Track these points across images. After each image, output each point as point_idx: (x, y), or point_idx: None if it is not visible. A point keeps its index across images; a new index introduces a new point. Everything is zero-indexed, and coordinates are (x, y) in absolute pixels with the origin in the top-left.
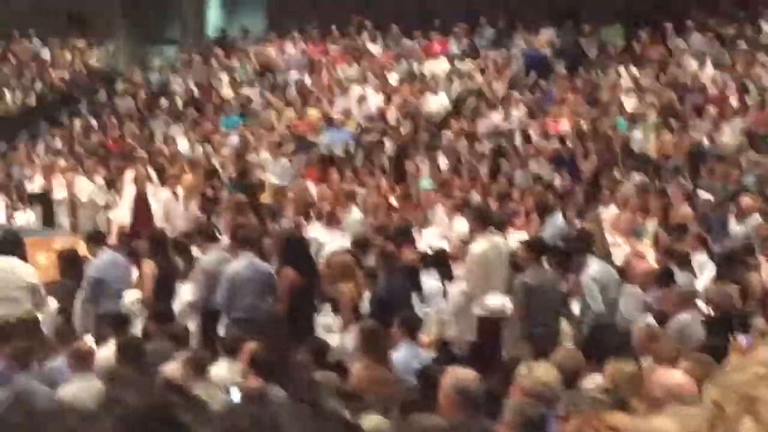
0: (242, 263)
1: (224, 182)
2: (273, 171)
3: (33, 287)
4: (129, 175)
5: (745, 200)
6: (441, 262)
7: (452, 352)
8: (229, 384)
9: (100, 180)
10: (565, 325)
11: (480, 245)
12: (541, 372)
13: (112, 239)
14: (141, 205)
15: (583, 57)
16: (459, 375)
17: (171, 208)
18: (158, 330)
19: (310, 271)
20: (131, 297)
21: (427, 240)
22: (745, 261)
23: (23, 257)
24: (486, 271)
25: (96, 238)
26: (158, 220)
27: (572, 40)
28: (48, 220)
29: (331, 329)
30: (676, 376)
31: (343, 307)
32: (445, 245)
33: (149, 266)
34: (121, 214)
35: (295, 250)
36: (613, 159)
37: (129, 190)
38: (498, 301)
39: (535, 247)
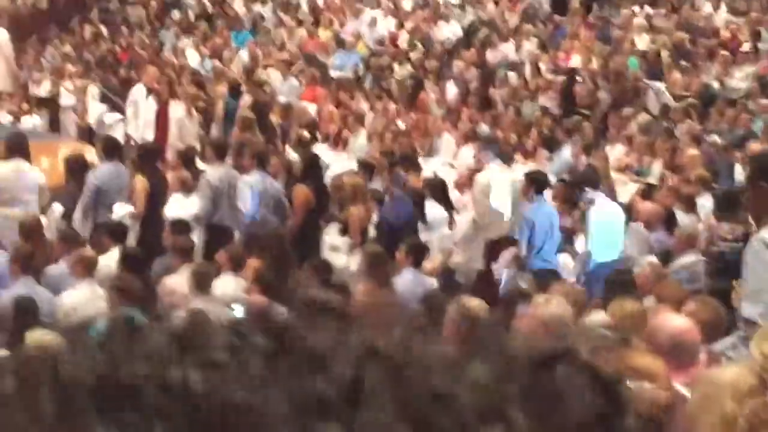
0: (257, 178)
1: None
2: (281, 90)
3: (41, 190)
4: (141, 88)
5: (753, 146)
6: (441, 192)
7: (456, 279)
8: (233, 300)
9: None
10: (566, 259)
11: (487, 175)
12: (555, 305)
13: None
14: (163, 122)
15: None
16: (466, 303)
17: (184, 124)
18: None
19: (320, 191)
20: (123, 210)
21: (433, 167)
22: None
23: (29, 159)
24: (494, 200)
25: (110, 147)
26: (171, 137)
27: None
28: (54, 124)
29: (338, 250)
30: (679, 323)
31: (352, 229)
32: (451, 174)
33: (140, 181)
34: (143, 132)
35: (311, 170)
36: (624, 97)
37: (148, 105)
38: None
39: (537, 181)
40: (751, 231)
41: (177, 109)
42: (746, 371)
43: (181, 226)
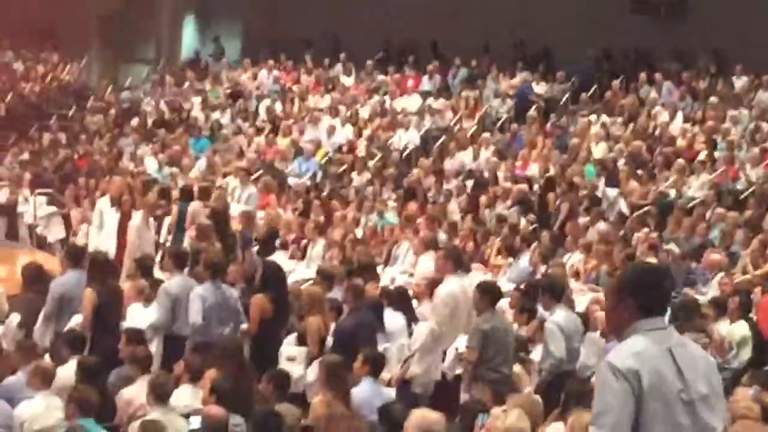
0: (209, 288)
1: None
2: (241, 198)
3: None
4: (105, 200)
5: (712, 256)
6: (403, 301)
7: (413, 391)
8: (190, 411)
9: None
10: (520, 370)
11: (448, 285)
12: (514, 419)
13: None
14: (125, 232)
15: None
16: (425, 417)
17: (142, 233)
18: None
19: (282, 301)
20: (76, 321)
21: (391, 276)
22: (702, 312)
23: None
24: (452, 311)
25: (75, 255)
26: (131, 246)
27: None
28: (11, 232)
29: (295, 360)
30: None
31: (310, 339)
32: (409, 282)
33: (87, 293)
34: (106, 242)
35: (272, 279)
36: (579, 206)
37: (112, 215)
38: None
39: (488, 291)
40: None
41: (134, 218)
42: None
43: (137, 336)
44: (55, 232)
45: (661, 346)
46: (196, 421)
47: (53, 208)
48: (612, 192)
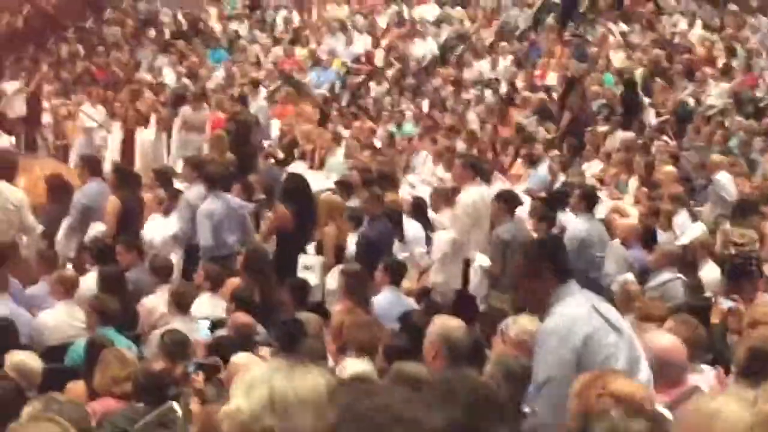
0: (216, 203)
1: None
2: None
3: (20, 210)
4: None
5: (714, 158)
6: (419, 210)
7: (434, 299)
8: (214, 319)
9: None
10: None
11: (470, 194)
12: (526, 322)
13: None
14: (130, 147)
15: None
16: (446, 324)
17: (158, 147)
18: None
19: (307, 213)
20: (96, 230)
21: (410, 184)
22: (759, 209)
23: (10, 179)
24: (474, 220)
25: (92, 165)
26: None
27: None
28: (30, 143)
29: (311, 269)
30: (665, 341)
31: (326, 248)
32: (427, 191)
33: (112, 201)
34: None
35: (296, 191)
36: (592, 114)
37: (117, 132)
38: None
39: (508, 200)
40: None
41: (149, 132)
42: (742, 408)
43: (134, 243)
44: None
45: (587, 306)
46: (204, 325)
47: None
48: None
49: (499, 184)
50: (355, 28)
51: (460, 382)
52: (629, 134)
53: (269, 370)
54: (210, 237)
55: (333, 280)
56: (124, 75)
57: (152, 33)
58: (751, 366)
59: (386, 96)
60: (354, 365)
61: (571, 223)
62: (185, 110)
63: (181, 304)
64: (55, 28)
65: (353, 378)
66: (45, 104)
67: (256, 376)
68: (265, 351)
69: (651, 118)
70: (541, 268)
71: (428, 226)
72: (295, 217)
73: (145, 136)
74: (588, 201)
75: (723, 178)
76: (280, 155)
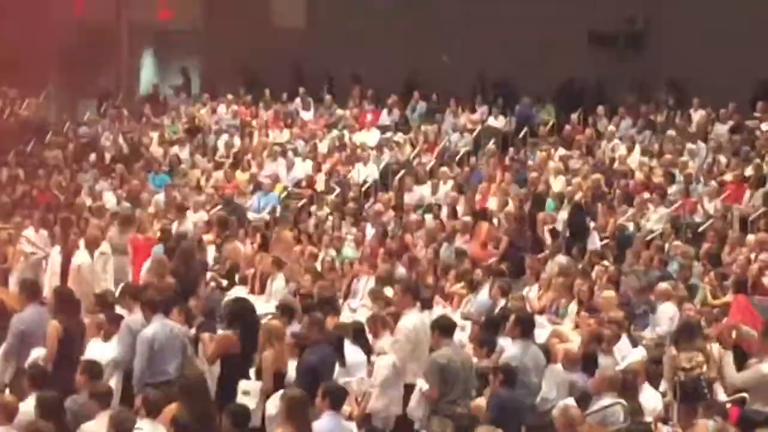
0: (158, 329)
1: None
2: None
3: None
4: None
5: (660, 287)
6: (360, 335)
7: (374, 425)
8: None
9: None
10: (482, 401)
11: (410, 319)
12: None
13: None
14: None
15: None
16: None
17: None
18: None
19: (251, 338)
20: (36, 354)
21: (351, 310)
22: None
23: None
24: (414, 345)
25: (31, 290)
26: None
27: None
28: None
29: (250, 394)
30: None
31: (265, 373)
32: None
33: (53, 325)
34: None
35: (240, 315)
36: (526, 240)
37: (56, 256)
38: None
39: (444, 327)
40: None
41: (80, 255)
42: None
43: (94, 369)
44: None
45: None
46: None
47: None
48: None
49: (440, 308)
50: (295, 153)
51: None
52: (563, 259)
53: None
54: (146, 364)
55: (272, 405)
56: (64, 199)
57: (93, 157)
58: None
59: (327, 220)
60: None
61: (507, 348)
62: (111, 233)
63: (120, 430)
64: None
65: None
66: None
67: None
68: None
69: (596, 241)
70: None
71: (368, 351)
72: (240, 342)
73: (79, 259)
74: (523, 326)
75: (669, 309)
76: (223, 282)
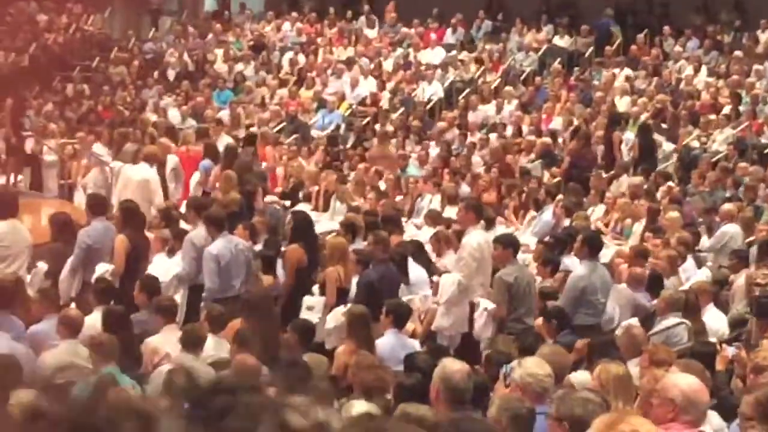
0: (223, 245)
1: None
2: None
3: (30, 248)
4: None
5: (724, 208)
6: (420, 253)
7: (439, 342)
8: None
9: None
10: (542, 322)
11: (475, 237)
12: (532, 365)
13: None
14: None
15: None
16: (447, 367)
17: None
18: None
19: (313, 251)
20: (103, 269)
21: (415, 227)
22: None
23: (13, 217)
24: (478, 263)
25: (98, 205)
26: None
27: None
28: (36, 182)
29: (313, 309)
30: (693, 381)
31: (328, 289)
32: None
33: (121, 240)
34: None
35: (302, 229)
36: (593, 159)
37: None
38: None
39: (509, 244)
40: None
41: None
42: None
43: (152, 285)
44: None
45: None
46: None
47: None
48: (669, 146)
49: (502, 228)
50: (360, 71)
51: (468, 425)
52: (635, 179)
53: None
54: (216, 280)
55: (332, 319)
56: (129, 114)
57: (157, 73)
58: (759, 415)
59: (391, 138)
60: (360, 406)
61: (575, 268)
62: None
63: (192, 343)
64: (61, 68)
65: (364, 415)
66: (51, 143)
67: None
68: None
69: (667, 162)
70: None
71: (429, 269)
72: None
73: (144, 173)
74: (591, 246)
75: (731, 229)
76: (286, 202)
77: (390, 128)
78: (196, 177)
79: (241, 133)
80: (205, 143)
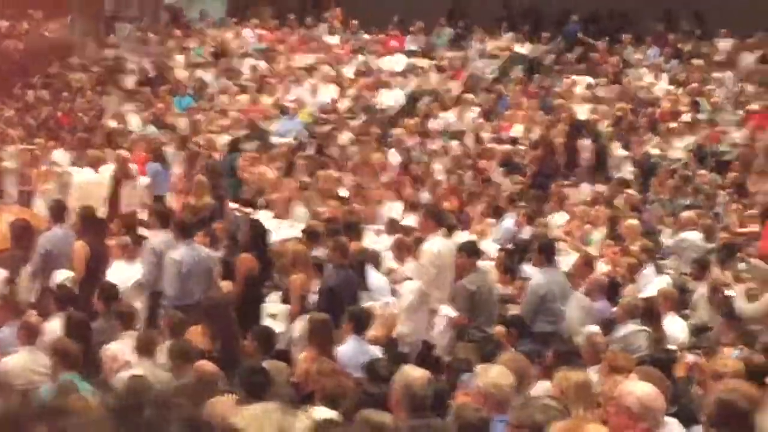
0: (186, 252)
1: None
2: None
3: None
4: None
5: (684, 215)
6: (378, 261)
7: (399, 349)
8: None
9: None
10: (502, 330)
11: (435, 244)
12: (494, 374)
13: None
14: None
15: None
16: (408, 375)
17: (129, 191)
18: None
19: (265, 258)
20: (63, 276)
21: (374, 235)
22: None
23: None
24: (439, 270)
25: (58, 211)
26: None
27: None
28: None
29: (276, 318)
30: (649, 388)
31: (292, 297)
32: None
33: (80, 246)
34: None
35: (257, 237)
36: (557, 167)
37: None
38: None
39: (471, 252)
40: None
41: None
42: None
43: (111, 292)
44: None
45: None
46: None
47: None
48: (623, 153)
49: (464, 235)
50: (321, 78)
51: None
52: (594, 187)
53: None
54: (177, 285)
55: (297, 328)
56: (88, 121)
57: (118, 80)
58: (721, 418)
59: (352, 145)
60: (321, 413)
61: (533, 276)
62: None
63: (146, 349)
64: (21, 74)
65: (325, 421)
66: (10, 149)
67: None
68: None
69: (627, 170)
70: None
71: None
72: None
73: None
74: (546, 253)
75: (691, 236)
76: (248, 209)
77: (351, 135)
78: (145, 181)
79: (201, 140)
80: (153, 146)
